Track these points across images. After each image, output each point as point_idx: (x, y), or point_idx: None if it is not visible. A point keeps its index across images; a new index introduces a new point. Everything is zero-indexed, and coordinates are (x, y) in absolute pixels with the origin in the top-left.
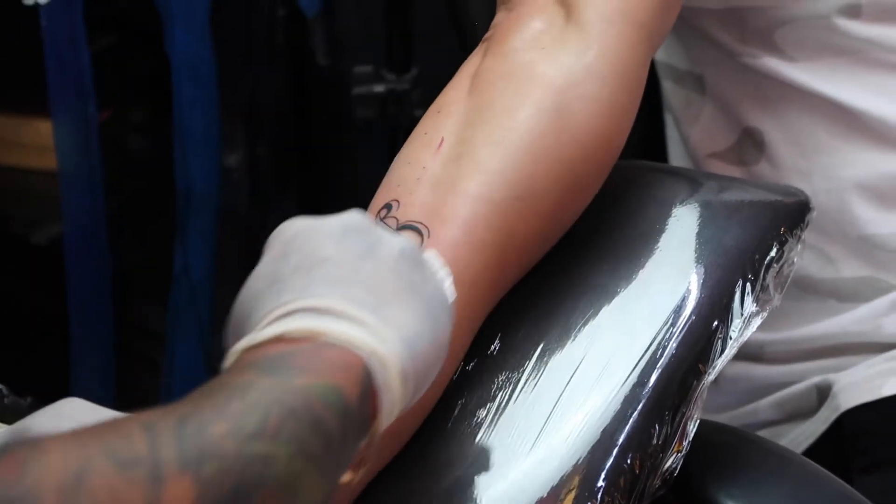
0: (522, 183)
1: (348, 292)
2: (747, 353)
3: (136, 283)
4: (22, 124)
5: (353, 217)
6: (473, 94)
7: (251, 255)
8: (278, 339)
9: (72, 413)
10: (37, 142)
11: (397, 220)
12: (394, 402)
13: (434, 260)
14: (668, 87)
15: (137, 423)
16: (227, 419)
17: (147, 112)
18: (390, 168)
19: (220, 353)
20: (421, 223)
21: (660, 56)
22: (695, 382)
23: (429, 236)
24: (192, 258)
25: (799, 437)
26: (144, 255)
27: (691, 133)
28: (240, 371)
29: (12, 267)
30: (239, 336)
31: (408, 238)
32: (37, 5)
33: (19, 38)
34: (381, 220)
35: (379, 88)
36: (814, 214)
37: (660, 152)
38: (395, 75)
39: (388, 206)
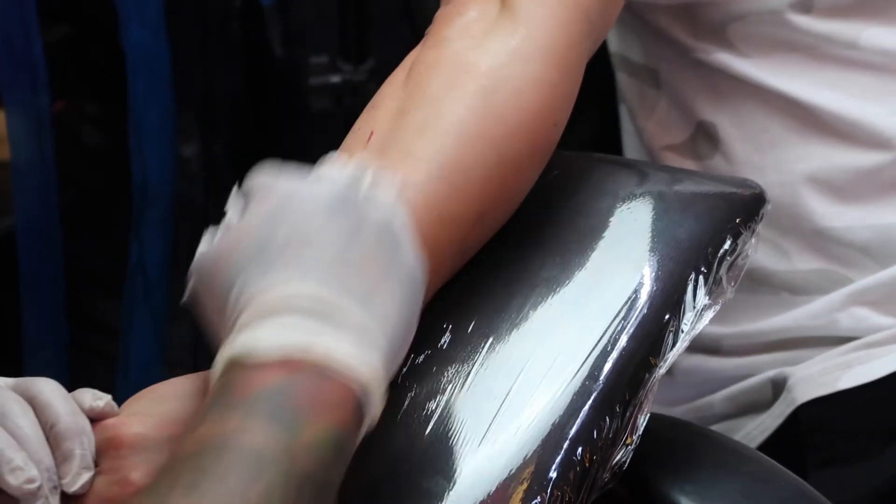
0: (449, 165)
1: (341, 280)
2: (703, 346)
3: (91, 276)
4: None
5: (337, 188)
6: (405, 85)
7: None
8: (282, 364)
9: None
10: None
11: None
12: (376, 413)
13: (408, 235)
14: (623, 80)
15: None
16: None
17: (102, 104)
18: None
19: (177, 344)
20: None
21: (614, 48)
22: (646, 376)
23: None
24: (147, 251)
25: (754, 431)
26: (99, 247)
27: (646, 126)
28: (243, 413)
29: None
30: (220, 308)
31: (386, 209)
32: None
33: None
34: None
35: (335, 79)
36: (769, 207)
37: (614, 144)
38: (351, 66)
39: None
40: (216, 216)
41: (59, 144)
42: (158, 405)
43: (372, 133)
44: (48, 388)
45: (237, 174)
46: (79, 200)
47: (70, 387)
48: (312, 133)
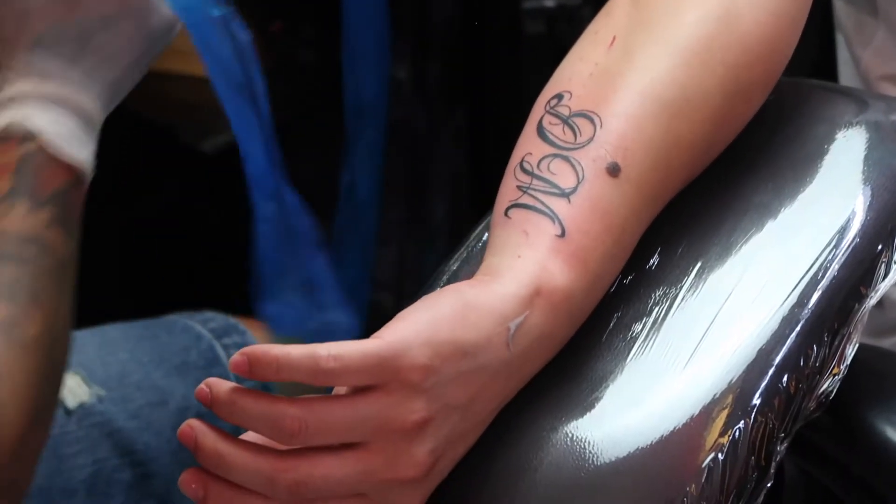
0: (690, 85)
1: (54, 56)
2: None
3: (304, 196)
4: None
5: None
6: None
7: (419, 171)
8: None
9: None
10: None
11: (570, 108)
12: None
13: None
14: (840, 8)
15: None
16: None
17: (317, 25)
18: (560, 65)
19: (383, 265)
20: (594, 112)
21: None
22: (856, 305)
23: (601, 126)
24: (358, 174)
25: None
26: (312, 168)
27: (863, 55)
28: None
29: (182, 175)
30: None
31: None
32: None
33: None
34: (552, 108)
35: (549, 3)
36: None
37: (831, 73)
38: None
39: (559, 96)
40: (428, 138)
41: (276, 65)
42: (431, 331)
43: (614, 38)
44: None
45: (450, 97)
46: (293, 121)
47: None
48: (525, 57)
